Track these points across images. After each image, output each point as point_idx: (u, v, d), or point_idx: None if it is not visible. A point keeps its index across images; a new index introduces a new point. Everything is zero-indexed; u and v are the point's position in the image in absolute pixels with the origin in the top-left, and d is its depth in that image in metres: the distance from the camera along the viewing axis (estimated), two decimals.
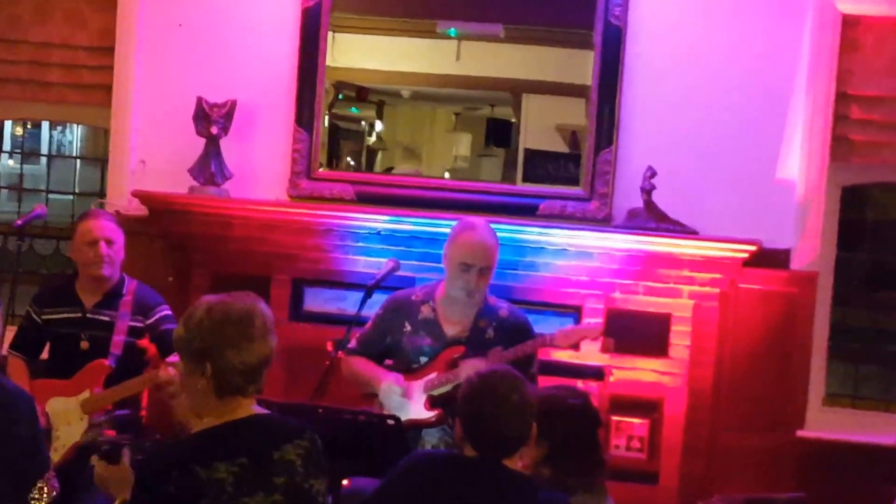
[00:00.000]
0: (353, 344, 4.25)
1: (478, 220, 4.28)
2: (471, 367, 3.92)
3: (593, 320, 4.69)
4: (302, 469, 2.73)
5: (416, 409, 4.04)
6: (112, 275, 4.51)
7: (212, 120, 5.14)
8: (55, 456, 4.30)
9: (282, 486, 2.69)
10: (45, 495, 2.58)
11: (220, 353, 2.70)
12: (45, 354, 4.64)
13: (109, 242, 4.47)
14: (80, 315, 4.49)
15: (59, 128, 6.07)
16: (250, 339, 2.72)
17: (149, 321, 4.50)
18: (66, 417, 4.37)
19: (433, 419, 4.04)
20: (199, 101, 5.15)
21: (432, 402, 4.04)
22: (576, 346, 4.33)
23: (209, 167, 5.14)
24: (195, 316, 2.75)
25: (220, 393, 2.73)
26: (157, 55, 5.39)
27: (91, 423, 2.98)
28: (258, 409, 2.80)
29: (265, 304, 2.82)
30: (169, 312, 4.56)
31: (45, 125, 6.11)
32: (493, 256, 4.12)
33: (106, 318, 4.47)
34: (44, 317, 4.54)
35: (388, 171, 5.53)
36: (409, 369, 4.13)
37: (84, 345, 4.44)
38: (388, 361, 4.22)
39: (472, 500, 2.95)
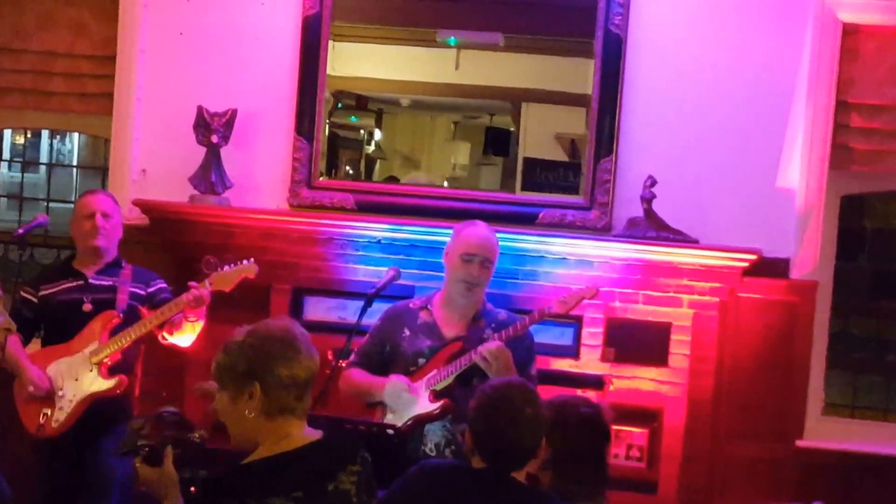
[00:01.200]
0: (353, 357, 4.26)
1: (479, 221, 4.34)
2: (483, 349, 3.95)
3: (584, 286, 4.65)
4: (356, 498, 2.69)
5: (421, 405, 4.05)
6: (108, 247, 4.60)
7: (212, 129, 5.14)
8: (61, 415, 4.37)
9: None
10: None
11: (269, 369, 2.65)
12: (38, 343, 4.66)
13: (105, 216, 4.57)
14: (82, 283, 4.57)
15: (58, 137, 6.07)
16: (297, 352, 2.68)
17: (149, 290, 4.62)
18: (73, 373, 4.41)
19: (438, 410, 4.03)
20: (200, 109, 5.15)
21: (436, 395, 4.05)
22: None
23: (210, 176, 5.15)
24: (236, 340, 2.72)
25: (270, 413, 2.67)
26: (158, 64, 5.40)
27: (130, 428, 2.98)
28: (310, 433, 2.75)
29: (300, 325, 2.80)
30: (165, 285, 4.68)
31: (44, 134, 6.11)
32: (494, 251, 4.19)
33: (108, 283, 4.56)
34: (42, 293, 4.57)
35: (389, 179, 5.51)
36: (407, 372, 4.13)
37: (87, 307, 4.50)
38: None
39: None
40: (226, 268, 4.44)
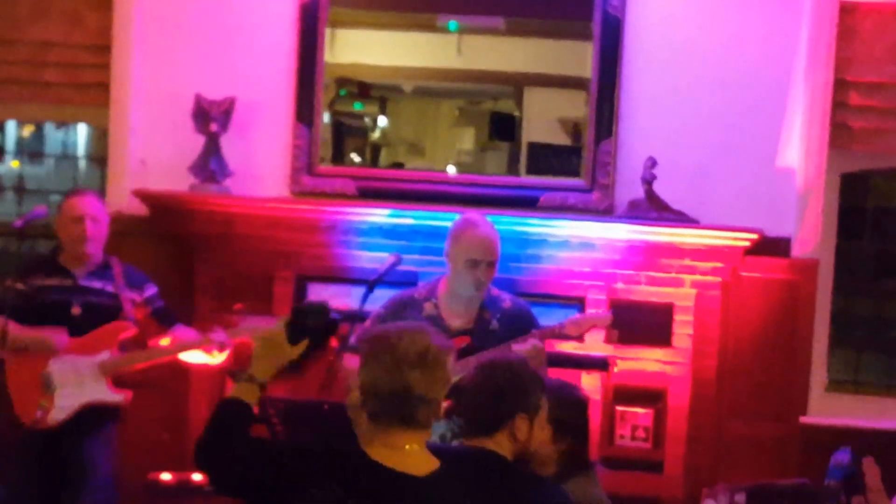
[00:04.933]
0: (353, 342, 4.24)
1: (476, 215, 4.29)
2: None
3: (601, 311, 4.73)
4: None
5: None
6: (96, 252, 4.50)
7: (211, 117, 5.11)
8: (60, 414, 4.32)
9: None
10: None
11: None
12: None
13: (95, 220, 4.47)
14: (70, 283, 4.47)
15: (63, 129, 6.03)
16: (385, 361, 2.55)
17: (145, 295, 4.57)
18: (78, 376, 4.35)
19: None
20: (198, 98, 5.13)
21: None
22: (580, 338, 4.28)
23: (209, 165, 5.12)
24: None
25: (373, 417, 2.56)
26: (154, 53, 5.35)
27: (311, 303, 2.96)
28: (430, 462, 2.58)
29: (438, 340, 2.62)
30: (156, 290, 4.62)
31: (50, 126, 6.07)
32: (497, 250, 4.14)
33: (98, 286, 4.47)
34: (34, 284, 4.45)
35: (395, 165, 5.50)
36: None
37: (76, 310, 4.42)
38: None
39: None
40: (256, 322, 4.41)
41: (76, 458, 4.40)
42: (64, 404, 4.34)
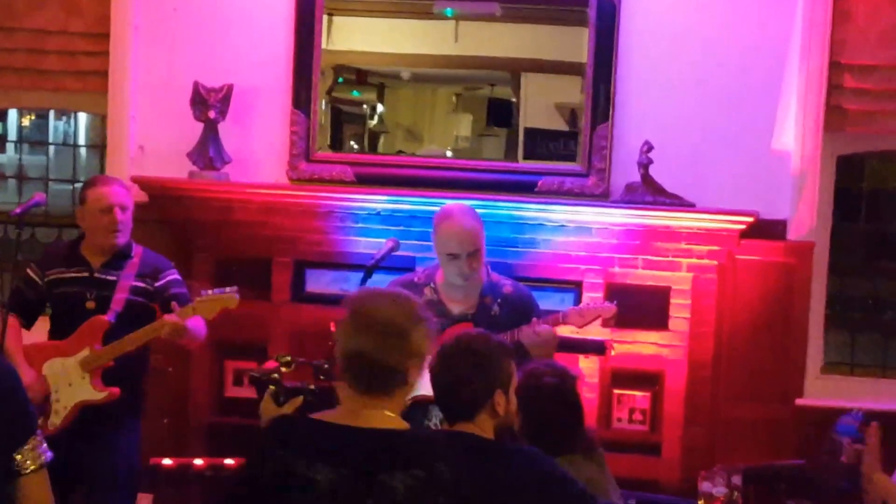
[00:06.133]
0: None
1: (454, 206, 4.29)
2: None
3: (596, 297, 4.75)
4: (402, 500, 2.49)
5: (424, 386, 4.04)
6: (124, 241, 4.42)
7: (209, 104, 5.13)
8: (56, 419, 4.27)
9: None
10: (29, 461, 2.49)
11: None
12: (41, 321, 4.54)
13: (123, 209, 4.38)
14: (86, 275, 4.39)
15: (65, 117, 6.03)
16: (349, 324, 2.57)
17: (157, 284, 4.44)
18: (67, 378, 4.30)
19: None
20: (196, 85, 5.14)
21: None
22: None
23: (208, 152, 5.14)
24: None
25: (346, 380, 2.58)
26: (152, 40, 5.36)
27: (277, 359, 3.09)
28: (395, 422, 2.60)
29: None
30: (177, 276, 4.51)
31: (51, 115, 6.07)
32: (476, 239, 4.11)
33: (113, 278, 4.39)
34: (49, 278, 4.42)
35: (397, 154, 5.52)
36: None
37: (90, 304, 4.34)
38: None
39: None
40: (209, 292, 4.28)
41: (99, 459, 4.34)
42: (58, 409, 4.30)
